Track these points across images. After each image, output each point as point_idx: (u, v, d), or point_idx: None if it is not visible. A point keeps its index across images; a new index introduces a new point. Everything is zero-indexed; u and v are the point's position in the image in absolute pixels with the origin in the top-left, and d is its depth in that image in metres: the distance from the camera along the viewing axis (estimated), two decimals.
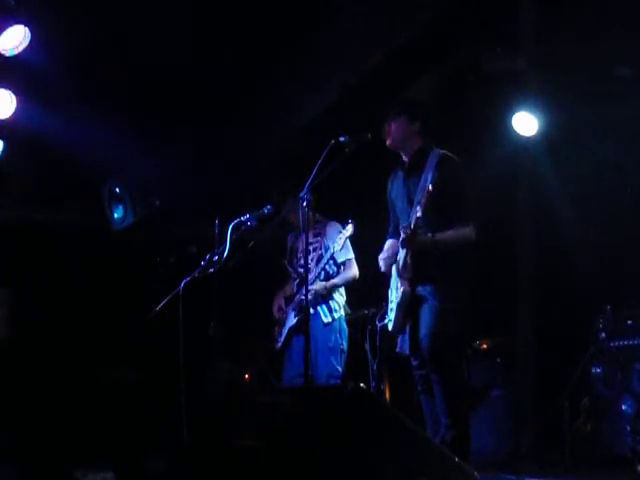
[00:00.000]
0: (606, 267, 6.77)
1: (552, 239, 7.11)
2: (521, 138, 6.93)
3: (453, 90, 7.10)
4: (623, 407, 5.95)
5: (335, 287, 6.26)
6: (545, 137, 6.88)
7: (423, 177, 4.97)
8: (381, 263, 5.21)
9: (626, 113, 6.51)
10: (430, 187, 4.76)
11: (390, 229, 5.36)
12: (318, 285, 6.16)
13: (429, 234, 4.89)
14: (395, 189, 5.29)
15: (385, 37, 6.60)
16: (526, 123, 6.83)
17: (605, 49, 6.33)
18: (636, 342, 6.09)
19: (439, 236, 4.90)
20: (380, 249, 5.30)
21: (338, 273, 6.28)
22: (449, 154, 5.09)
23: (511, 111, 6.86)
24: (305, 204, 4.97)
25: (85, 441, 6.46)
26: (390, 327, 5.07)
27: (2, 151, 6.70)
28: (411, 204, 5.02)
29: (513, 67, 6.72)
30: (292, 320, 6.32)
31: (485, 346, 6.91)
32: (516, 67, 6.72)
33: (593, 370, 6.22)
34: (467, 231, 4.98)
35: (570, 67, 6.51)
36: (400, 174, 5.26)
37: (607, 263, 6.77)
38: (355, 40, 6.55)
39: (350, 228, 6.02)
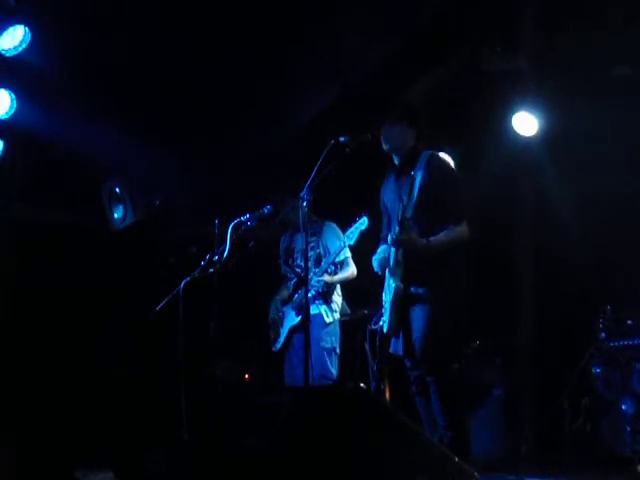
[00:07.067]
0: (606, 267, 6.77)
1: (552, 239, 7.11)
2: (521, 138, 6.93)
3: (453, 90, 7.10)
4: (623, 407, 5.96)
5: (336, 282, 6.27)
6: (545, 137, 6.89)
7: (413, 175, 4.98)
8: (375, 264, 5.20)
9: (626, 113, 6.51)
10: (423, 183, 4.78)
11: (383, 234, 5.34)
12: (327, 277, 6.16)
13: (424, 239, 4.90)
14: (387, 191, 5.30)
15: (385, 37, 6.60)
16: (526, 123, 6.84)
17: (604, 49, 6.33)
18: (636, 342, 6.10)
19: (434, 240, 4.91)
20: (375, 251, 5.30)
21: (336, 272, 6.30)
22: (438, 154, 5.09)
23: (511, 111, 6.87)
24: (305, 204, 4.98)
25: (85, 441, 6.46)
26: (385, 329, 5.07)
27: (2, 151, 6.70)
28: (402, 203, 5.03)
29: (513, 67, 6.71)
30: (294, 319, 6.31)
31: (485, 346, 6.91)
32: (516, 67, 6.72)
33: (593, 370, 6.23)
34: (460, 230, 4.98)
35: (570, 67, 6.52)
36: (392, 176, 5.27)
37: (607, 263, 6.77)
38: (355, 40, 6.55)
39: (365, 221, 5.99)
